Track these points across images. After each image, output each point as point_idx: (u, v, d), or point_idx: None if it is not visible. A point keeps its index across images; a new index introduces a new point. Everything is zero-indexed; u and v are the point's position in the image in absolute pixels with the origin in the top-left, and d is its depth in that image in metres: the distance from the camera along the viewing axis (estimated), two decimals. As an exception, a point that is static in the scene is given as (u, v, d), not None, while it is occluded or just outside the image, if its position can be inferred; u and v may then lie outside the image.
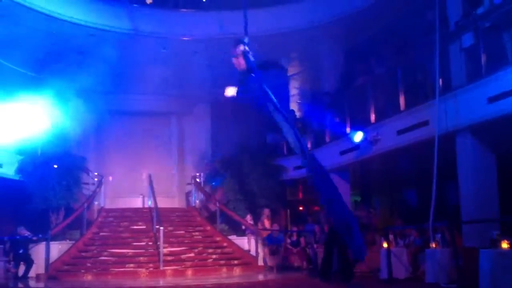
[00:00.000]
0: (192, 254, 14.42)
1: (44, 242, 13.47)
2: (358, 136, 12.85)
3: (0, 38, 13.72)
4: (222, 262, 14.22)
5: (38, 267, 13.27)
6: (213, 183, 18.12)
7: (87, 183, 16.99)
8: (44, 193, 14.84)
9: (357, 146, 13.08)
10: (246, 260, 14.55)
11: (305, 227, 15.14)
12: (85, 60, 15.31)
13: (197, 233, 15.88)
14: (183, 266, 13.74)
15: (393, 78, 12.34)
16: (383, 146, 12.27)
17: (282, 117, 7.77)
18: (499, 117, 8.98)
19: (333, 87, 16.16)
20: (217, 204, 16.12)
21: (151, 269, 13.41)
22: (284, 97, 18.43)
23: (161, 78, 17.07)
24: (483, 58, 9.61)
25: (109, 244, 14.61)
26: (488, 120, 9.28)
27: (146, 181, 17.59)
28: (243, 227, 15.81)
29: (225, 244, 15.24)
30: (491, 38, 9.56)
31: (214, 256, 14.51)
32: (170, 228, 15.31)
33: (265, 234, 15.13)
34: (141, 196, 18.12)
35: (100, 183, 17.15)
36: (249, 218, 15.78)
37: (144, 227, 15.75)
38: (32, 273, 13.06)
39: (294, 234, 15.38)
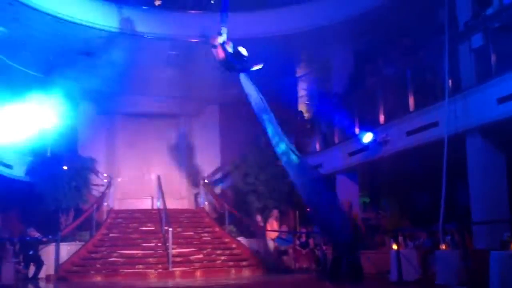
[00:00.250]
0: (201, 256, 14.44)
1: (53, 243, 13.54)
2: (367, 137, 12.81)
3: (10, 40, 13.80)
4: (231, 263, 14.23)
5: (48, 268, 13.35)
6: (222, 184, 18.15)
7: (97, 184, 17.08)
8: (53, 194, 14.92)
9: (366, 147, 13.03)
10: (254, 262, 14.54)
11: (314, 228, 15.10)
12: (94, 62, 15.39)
13: (205, 234, 15.90)
14: (192, 268, 13.77)
15: (402, 78, 12.29)
16: (393, 147, 12.22)
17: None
18: (509, 117, 8.93)
19: (342, 88, 16.10)
20: (226, 206, 16.12)
21: (160, 270, 13.45)
22: (293, 98, 18.45)
23: (170, 80, 17.09)
24: (493, 59, 9.56)
25: (119, 245, 14.66)
26: (498, 121, 9.23)
27: (155, 182, 17.63)
28: (252, 228, 15.80)
29: (233, 246, 15.24)
30: (501, 38, 9.51)
31: (223, 258, 14.53)
32: (179, 229, 15.34)
33: (273, 235, 15.11)
34: (150, 197, 18.15)
35: (109, 184, 17.22)
36: (258, 220, 15.78)
37: (153, 228, 15.79)
38: (42, 274, 13.15)
39: (303, 235, 15.36)
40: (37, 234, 13.53)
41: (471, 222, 9.87)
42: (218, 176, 18.67)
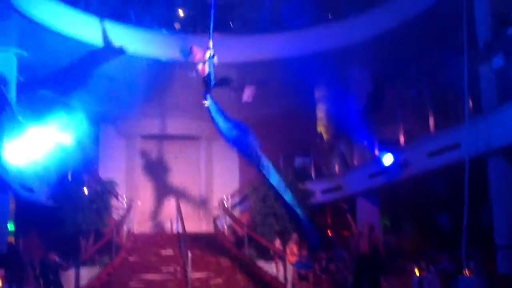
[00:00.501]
0: (220, 280, 14.27)
1: (73, 268, 13.53)
2: (387, 159, 12.66)
3: (30, 62, 14.03)
4: (251, 288, 14.06)
5: (68, 293, 13.34)
6: (241, 207, 18.05)
7: (117, 207, 17.10)
8: (74, 217, 14.94)
9: (386, 169, 12.87)
10: (274, 286, 14.33)
11: (334, 252, 14.89)
12: (116, 85, 15.56)
13: (225, 259, 15.76)
14: (211, 293, 13.62)
15: (422, 99, 12.19)
16: (413, 169, 12.06)
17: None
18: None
19: (361, 109, 16.01)
20: (245, 229, 16.00)
21: (179, 295, 13.33)
22: (312, 119, 18.37)
23: (190, 102, 17.15)
24: (514, 79, 9.42)
25: (138, 269, 14.57)
26: (520, 142, 9.06)
27: (175, 205, 17.60)
28: (272, 252, 15.63)
29: (253, 270, 15.07)
30: (522, 58, 9.37)
31: (242, 283, 14.35)
32: (198, 253, 15.22)
33: (293, 259, 14.92)
34: (169, 220, 18.11)
35: (129, 208, 17.23)
36: (277, 243, 15.60)
37: (172, 252, 15.70)
38: (61, 299, 13.13)
39: (323, 260, 15.12)
40: (57, 259, 13.55)
41: (495, 246, 9.63)
42: (237, 198, 18.58)
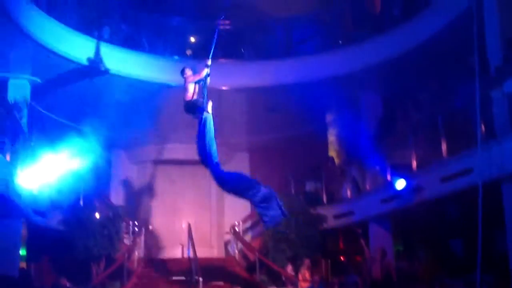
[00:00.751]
0: (231, 307, 14.18)
1: (84, 294, 13.51)
2: (400, 184, 12.59)
3: (43, 88, 14.21)
4: (263, 314, 13.92)
5: (79, 319, 13.28)
6: (252, 232, 17.97)
7: (128, 232, 17.09)
8: (85, 242, 14.94)
9: (398, 194, 12.78)
10: (287, 312, 14.21)
11: (347, 278, 14.74)
12: (126, 111, 15.67)
13: (236, 284, 15.64)
14: (222, 320, 13.51)
15: (434, 123, 12.14)
16: (426, 194, 11.96)
17: None
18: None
19: (373, 133, 16.00)
20: (257, 254, 15.90)
21: (190, 322, 13.21)
22: (323, 144, 18.36)
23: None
24: (527, 104, 9.38)
25: (149, 296, 14.52)
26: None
27: (186, 230, 17.55)
28: (283, 278, 15.49)
29: (265, 296, 14.95)
30: (535, 82, 9.35)
31: (254, 309, 14.23)
32: (209, 279, 15.13)
33: (305, 285, 14.78)
34: (180, 245, 18.05)
35: (140, 233, 17.21)
36: (289, 269, 15.49)
37: (183, 278, 15.58)
38: (72, 325, 13.07)
39: (336, 285, 14.97)
40: (68, 284, 13.51)
41: (509, 271, 9.50)
42: (248, 223, 18.51)
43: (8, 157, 11.31)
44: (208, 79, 9.82)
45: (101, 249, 15.10)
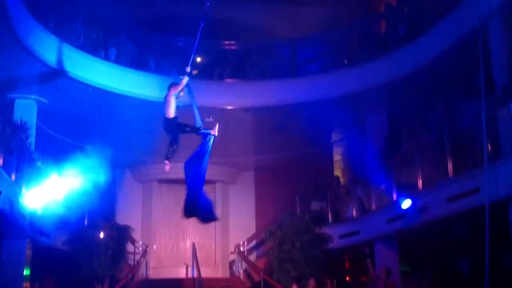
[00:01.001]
0: (236, 327, 14.05)
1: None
2: (406, 204, 12.51)
3: (49, 109, 14.26)
4: (268, 335, 13.78)
5: None
6: (257, 252, 17.86)
7: (132, 253, 17.02)
8: (89, 263, 14.88)
9: (404, 214, 12.70)
10: (292, 334, 14.06)
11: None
12: (131, 131, 15.70)
13: (241, 304, 15.55)
14: None
15: (440, 143, 12.10)
16: (432, 214, 11.87)
17: None
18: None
19: (378, 152, 15.96)
20: (261, 274, 15.79)
21: None
22: (328, 163, 18.33)
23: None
24: (534, 124, 9.35)
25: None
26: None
27: (190, 250, 17.48)
28: (289, 298, 15.36)
29: (270, 317, 14.81)
30: (541, 102, 9.33)
31: (259, 329, 14.09)
32: (214, 300, 15.05)
33: (311, 305, 14.66)
34: (184, 265, 17.95)
35: (144, 253, 17.13)
36: (294, 289, 15.36)
37: (187, 298, 15.54)
38: None
39: (341, 306, 14.85)
40: (72, 305, 13.44)
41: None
42: (253, 243, 18.43)
43: (13, 177, 11.30)
44: (195, 98, 9.33)
45: (105, 269, 15.04)
